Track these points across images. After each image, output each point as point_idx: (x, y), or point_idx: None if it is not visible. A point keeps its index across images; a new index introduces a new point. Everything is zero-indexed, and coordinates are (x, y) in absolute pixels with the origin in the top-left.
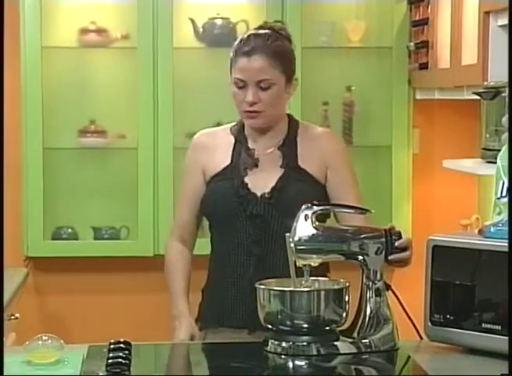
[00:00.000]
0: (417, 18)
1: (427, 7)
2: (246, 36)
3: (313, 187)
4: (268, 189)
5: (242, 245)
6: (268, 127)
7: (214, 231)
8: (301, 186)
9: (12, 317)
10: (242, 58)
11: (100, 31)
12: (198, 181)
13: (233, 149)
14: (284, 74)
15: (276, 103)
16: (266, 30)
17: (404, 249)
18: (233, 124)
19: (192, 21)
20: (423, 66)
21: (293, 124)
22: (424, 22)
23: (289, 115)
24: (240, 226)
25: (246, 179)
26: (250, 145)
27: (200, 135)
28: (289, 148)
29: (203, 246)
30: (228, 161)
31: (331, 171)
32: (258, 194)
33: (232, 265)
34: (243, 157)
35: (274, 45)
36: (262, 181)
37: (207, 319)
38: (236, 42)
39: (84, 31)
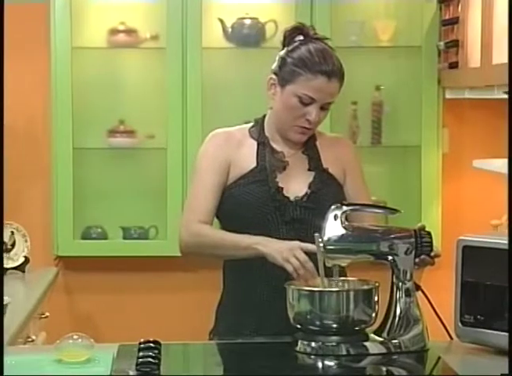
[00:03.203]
0: (447, 17)
1: (458, 6)
2: (318, 52)
3: (340, 190)
4: (301, 193)
5: None
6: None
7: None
8: (332, 189)
9: (43, 316)
10: (321, 77)
11: (129, 32)
12: (223, 173)
13: (257, 151)
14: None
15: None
16: (325, 46)
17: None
18: (249, 125)
19: (221, 21)
20: (453, 66)
21: None
22: (454, 21)
23: None
24: (276, 231)
25: (279, 183)
26: (276, 147)
27: (219, 132)
28: (312, 152)
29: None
30: (254, 163)
31: (349, 176)
32: (292, 198)
33: (270, 268)
34: (269, 160)
35: (342, 68)
36: (293, 184)
37: (242, 328)
38: (305, 54)
39: (114, 32)
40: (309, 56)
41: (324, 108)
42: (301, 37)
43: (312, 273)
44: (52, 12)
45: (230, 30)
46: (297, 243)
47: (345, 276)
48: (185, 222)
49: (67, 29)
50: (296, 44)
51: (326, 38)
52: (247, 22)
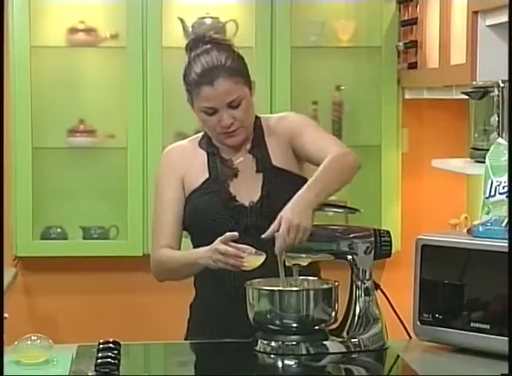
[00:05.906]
0: (406, 18)
1: (416, 7)
2: (197, 64)
3: (294, 184)
4: (255, 199)
5: None
6: (246, 138)
7: (201, 246)
8: (285, 188)
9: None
10: (204, 87)
11: (89, 31)
12: (179, 189)
13: (208, 162)
14: (246, 85)
15: (249, 113)
16: (209, 48)
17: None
18: (199, 137)
19: (182, 20)
20: (412, 66)
21: (257, 122)
22: (413, 22)
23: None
24: (234, 239)
25: (232, 191)
26: (225, 155)
27: (173, 148)
28: (259, 149)
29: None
30: (206, 175)
31: (301, 139)
32: (246, 204)
33: (231, 277)
34: (220, 169)
35: (229, 64)
36: (245, 190)
37: (206, 336)
38: (187, 73)
39: (73, 31)
40: (188, 74)
41: (234, 107)
42: (197, 50)
43: (239, 252)
44: (11, 10)
45: (191, 29)
46: (216, 241)
47: (319, 274)
48: (151, 252)
49: (26, 28)
50: (186, 63)
51: (216, 35)
52: (208, 21)
